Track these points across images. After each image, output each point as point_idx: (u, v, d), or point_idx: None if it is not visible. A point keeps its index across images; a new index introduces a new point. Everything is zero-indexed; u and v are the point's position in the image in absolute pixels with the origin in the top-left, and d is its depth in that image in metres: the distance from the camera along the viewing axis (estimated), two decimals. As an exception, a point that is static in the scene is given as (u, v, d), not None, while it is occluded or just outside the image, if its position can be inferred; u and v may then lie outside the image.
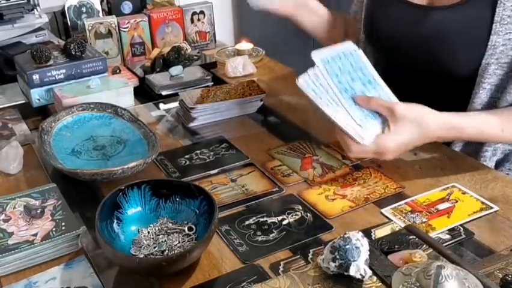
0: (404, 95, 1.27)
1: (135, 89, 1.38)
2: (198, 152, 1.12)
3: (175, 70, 1.44)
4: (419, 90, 1.19)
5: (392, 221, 0.88)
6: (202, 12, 1.68)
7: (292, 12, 1.27)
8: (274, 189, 0.98)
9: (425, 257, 0.74)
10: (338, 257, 0.71)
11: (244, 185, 1.00)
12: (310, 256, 0.82)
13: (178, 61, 1.47)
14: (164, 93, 1.39)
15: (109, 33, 1.56)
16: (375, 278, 0.72)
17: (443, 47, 1.07)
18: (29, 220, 0.88)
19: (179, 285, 0.78)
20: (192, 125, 1.24)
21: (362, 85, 0.99)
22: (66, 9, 1.63)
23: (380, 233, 0.86)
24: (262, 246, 0.84)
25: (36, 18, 1.63)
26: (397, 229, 0.86)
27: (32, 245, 0.82)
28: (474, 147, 1.12)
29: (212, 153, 1.11)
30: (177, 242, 0.83)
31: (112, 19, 1.56)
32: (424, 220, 0.88)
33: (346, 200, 0.94)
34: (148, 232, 0.85)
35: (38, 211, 0.89)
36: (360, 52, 1.03)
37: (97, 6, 1.66)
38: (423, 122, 0.94)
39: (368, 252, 0.73)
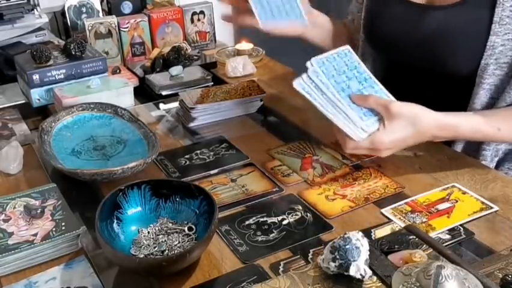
0: (403, 95, 1.27)
1: (135, 89, 1.37)
2: (198, 152, 1.12)
3: (175, 70, 1.44)
4: (419, 89, 1.19)
5: (392, 221, 0.88)
6: (202, 12, 1.68)
7: (302, 31, 1.26)
8: (274, 189, 0.98)
9: (425, 257, 0.74)
10: (338, 257, 0.71)
11: (244, 185, 1.00)
12: (310, 256, 0.82)
13: (178, 61, 1.47)
14: (164, 93, 1.39)
15: (109, 33, 1.56)
16: (375, 278, 0.72)
17: (442, 46, 1.07)
18: (29, 220, 0.88)
19: (179, 285, 0.78)
20: (192, 125, 1.24)
21: (358, 83, 1.00)
22: (66, 9, 1.63)
23: (380, 233, 0.86)
24: (262, 246, 0.84)
25: (36, 18, 1.62)
26: (397, 229, 0.86)
27: (32, 245, 0.82)
28: (475, 147, 1.12)
29: (212, 153, 1.11)
30: (177, 242, 0.83)
31: (112, 19, 1.56)
32: (424, 220, 0.88)
33: (346, 200, 0.94)
34: (148, 232, 0.85)
35: (38, 211, 0.89)
36: (352, 51, 1.03)
37: (97, 6, 1.66)
38: (417, 121, 0.95)
39: (368, 252, 0.73)
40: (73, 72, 1.34)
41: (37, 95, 1.32)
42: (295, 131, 1.20)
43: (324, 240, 0.85)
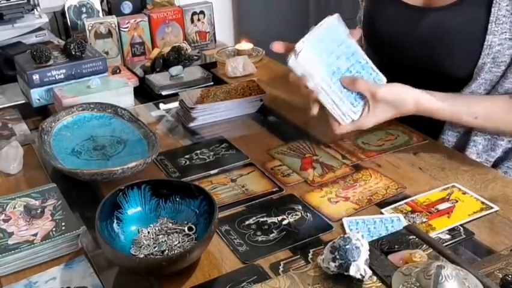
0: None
1: (135, 89, 1.38)
2: (198, 152, 1.12)
3: (175, 70, 1.44)
4: (418, 86, 1.19)
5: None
6: (202, 12, 1.68)
7: None
8: (274, 189, 0.98)
9: (425, 257, 0.74)
10: (338, 257, 0.71)
11: (244, 185, 1.00)
12: (310, 256, 0.82)
13: (178, 61, 1.48)
14: (164, 93, 1.39)
15: (109, 33, 1.56)
16: (375, 278, 0.72)
17: (440, 47, 1.07)
18: (29, 220, 0.88)
19: (179, 285, 0.78)
20: (192, 125, 1.24)
21: (346, 60, 1.01)
22: (66, 9, 1.63)
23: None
24: (262, 246, 0.84)
25: (36, 18, 1.63)
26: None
27: (32, 245, 0.82)
28: (466, 138, 1.12)
29: (212, 153, 1.11)
30: (177, 242, 0.83)
31: (112, 19, 1.56)
32: (424, 220, 0.88)
33: (349, 202, 0.94)
34: (148, 232, 0.85)
35: (38, 211, 0.89)
36: (340, 20, 1.02)
37: (97, 6, 1.67)
38: (400, 104, 1.01)
39: (368, 252, 0.73)
40: (73, 72, 1.34)
41: (37, 95, 1.32)
42: (295, 131, 1.20)
43: (324, 240, 0.85)
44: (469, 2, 1.04)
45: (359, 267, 0.71)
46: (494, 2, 1.00)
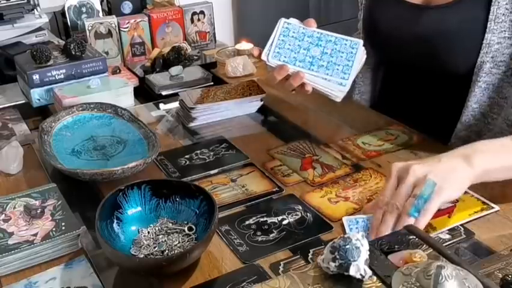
0: (403, 93, 1.28)
1: (135, 89, 1.38)
2: (198, 152, 1.12)
3: (175, 70, 1.44)
4: (417, 88, 1.20)
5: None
6: (202, 12, 1.68)
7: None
8: (274, 189, 0.98)
9: (425, 257, 0.74)
10: (338, 257, 0.71)
11: (244, 185, 1.00)
12: (310, 256, 0.82)
13: (178, 61, 1.48)
14: (164, 93, 1.39)
15: (109, 33, 1.56)
16: (375, 278, 0.72)
17: (440, 45, 1.07)
18: (29, 220, 0.88)
19: (179, 285, 0.78)
20: (192, 125, 1.24)
21: (316, 46, 1.00)
22: (66, 9, 1.63)
23: (380, 233, 0.85)
24: (262, 246, 0.84)
25: (36, 18, 1.63)
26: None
27: (32, 245, 0.82)
28: None
29: (212, 153, 1.11)
30: (177, 242, 0.83)
31: (112, 19, 1.56)
32: (424, 220, 0.88)
33: (349, 202, 0.94)
34: (148, 232, 0.85)
35: (38, 211, 0.89)
36: (291, 20, 1.03)
37: (97, 6, 1.67)
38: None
39: (368, 252, 0.73)
40: (73, 72, 1.34)
41: (37, 95, 1.32)
42: (295, 131, 1.20)
43: (324, 240, 0.85)
44: (468, 1, 1.04)
45: (359, 267, 0.71)
46: (493, 0, 1.00)
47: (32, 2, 1.60)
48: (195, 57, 1.57)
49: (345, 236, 0.73)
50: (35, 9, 1.62)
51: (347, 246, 0.71)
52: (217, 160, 1.09)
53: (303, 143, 1.14)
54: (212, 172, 1.05)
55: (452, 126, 1.12)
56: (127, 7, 1.70)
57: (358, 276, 0.71)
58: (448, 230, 0.86)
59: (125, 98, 1.31)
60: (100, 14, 1.67)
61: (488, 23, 1.01)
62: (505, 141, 0.90)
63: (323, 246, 0.82)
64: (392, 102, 1.27)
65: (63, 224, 0.87)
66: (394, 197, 0.84)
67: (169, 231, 0.85)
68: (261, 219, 0.90)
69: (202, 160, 1.09)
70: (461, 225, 0.87)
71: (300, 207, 0.93)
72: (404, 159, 1.05)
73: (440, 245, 0.78)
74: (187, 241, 0.83)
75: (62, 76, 1.33)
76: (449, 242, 0.83)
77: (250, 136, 1.20)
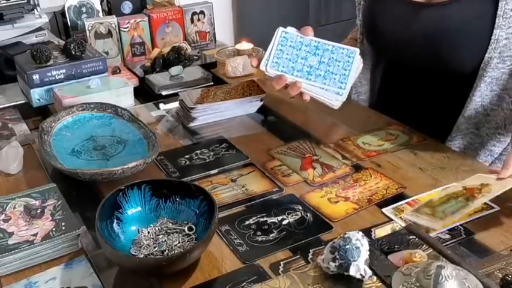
0: (404, 91, 1.27)
1: (135, 89, 1.38)
2: (198, 152, 1.12)
3: (175, 70, 1.44)
4: (417, 86, 1.20)
5: (393, 220, 0.88)
6: (202, 12, 1.68)
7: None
8: (274, 189, 0.98)
9: (425, 257, 0.74)
10: (338, 257, 0.71)
11: (244, 185, 1.00)
12: (310, 256, 0.82)
13: (178, 61, 1.48)
14: (164, 93, 1.39)
15: (109, 33, 1.56)
16: (375, 278, 0.72)
17: (446, 42, 1.07)
18: (29, 220, 0.88)
19: (179, 285, 0.78)
20: (192, 125, 1.24)
21: (313, 56, 1.01)
22: (66, 9, 1.63)
23: (380, 232, 0.86)
24: (262, 246, 0.84)
25: (36, 18, 1.63)
26: (397, 228, 0.86)
27: (32, 245, 0.82)
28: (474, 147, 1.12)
29: (212, 153, 1.11)
30: (177, 242, 0.83)
31: (112, 19, 1.56)
32: (424, 220, 0.88)
33: (349, 202, 0.94)
34: (148, 232, 0.85)
35: (38, 211, 0.89)
36: (288, 29, 1.03)
37: (97, 6, 1.67)
38: None
39: (368, 252, 0.73)
40: (73, 72, 1.34)
41: (37, 95, 1.32)
42: (295, 131, 1.20)
43: (324, 240, 0.85)
44: None
45: (359, 267, 0.71)
46: None
47: (32, 2, 1.60)
48: (195, 57, 1.57)
49: (345, 236, 0.73)
50: (35, 9, 1.62)
51: (347, 246, 0.71)
52: (217, 160, 1.09)
53: (303, 143, 1.14)
54: (212, 172, 1.05)
55: (451, 121, 1.13)
56: (127, 7, 1.70)
57: (358, 276, 0.71)
58: (448, 230, 0.86)
59: (125, 98, 1.31)
60: (100, 14, 1.67)
61: (497, 18, 1.01)
62: None
63: (323, 246, 0.82)
64: (391, 102, 1.27)
65: (63, 224, 0.87)
66: None
67: (169, 231, 0.85)
68: (261, 219, 0.90)
69: (202, 160, 1.09)
70: (461, 225, 0.87)
71: (300, 207, 0.93)
72: (404, 160, 1.06)
73: (440, 245, 0.78)
74: (187, 241, 0.83)
75: (62, 76, 1.33)
76: (449, 242, 0.83)
77: (250, 136, 1.20)
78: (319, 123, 1.23)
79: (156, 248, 0.82)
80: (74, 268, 0.81)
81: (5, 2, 1.55)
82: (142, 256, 0.81)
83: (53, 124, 1.14)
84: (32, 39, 1.61)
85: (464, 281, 0.66)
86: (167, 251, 0.82)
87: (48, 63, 1.33)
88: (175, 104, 1.33)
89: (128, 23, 1.57)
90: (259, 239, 0.86)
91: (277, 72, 0.98)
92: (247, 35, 1.74)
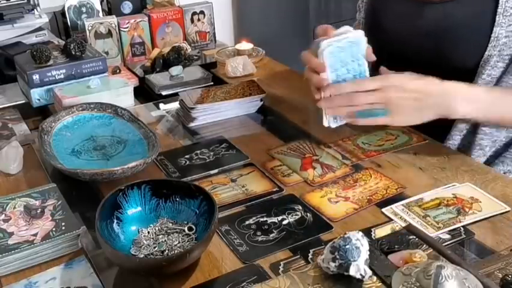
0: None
1: (135, 89, 1.38)
2: (198, 152, 1.12)
3: (175, 70, 1.44)
4: None
5: (393, 220, 0.88)
6: (202, 12, 1.68)
7: None
8: (274, 189, 0.98)
9: (425, 257, 0.74)
10: (338, 257, 0.71)
11: (244, 185, 1.00)
12: (310, 256, 0.82)
13: (178, 61, 1.48)
14: (164, 93, 1.39)
15: (109, 33, 1.56)
16: (375, 278, 0.72)
17: (446, 39, 1.07)
18: (29, 220, 0.88)
19: (179, 285, 0.78)
20: (192, 125, 1.24)
21: (352, 77, 1.02)
22: (66, 9, 1.63)
23: (380, 232, 0.86)
24: (262, 246, 0.84)
25: (36, 18, 1.63)
26: (397, 228, 0.86)
27: (32, 245, 0.82)
28: (471, 138, 1.12)
29: (212, 153, 1.11)
30: (177, 242, 0.83)
31: (112, 19, 1.56)
32: (424, 220, 0.88)
33: (349, 202, 0.94)
34: (148, 232, 0.85)
35: (38, 211, 0.89)
36: (364, 39, 1.03)
37: (97, 6, 1.67)
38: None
39: (368, 252, 0.73)
40: (73, 72, 1.34)
41: (37, 95, 1.32)
42: (295, 131, 1.20)
43: (324, 240, 0.85)
44: None
45: (359, 267, 0.71)
46: None
47: (32, 2, 1.60)
48: (195, 57, 1.57)
49: (345, 236, 0.73)
50: (35, 9, 1.62)
51: (347, 246, 0.71)
52: (217, 160, 1.09)
53: (303, 143, 1.14)
54: (212, 172, 1.05)
55: (451, 120, 1.12)
56: (127, 7, 1.70)
57: (358, 276, 0.71)
58: (448, 230, 0.86)
59: (125, 98, 1.31)
60: (100, 14, 1.67)
61: (497, 16, 1.01)
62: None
63: (323, 246, 0.82)
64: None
65: (63, 224, 0.87)
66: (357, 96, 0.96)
67: (169, 231, 0.85)
68: (261, 219, 0.90)
69: (202, 160, 1.09)
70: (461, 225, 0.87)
71: (300, 207, 0.93)
72: (404, 160, 1.06)
73: (440, 245, 0.78)
74: (187, 241, 0.83)
75: (62, 76, 1.33)
76: (449, 242, 0.83)
77: (250, 136, 1.20)
78: (319, 123, 1.23)
79: (156, 248, 0.82)
80: (74, 268, 0.81)
81: (5, 2, 1.55)
82: (142, 256, 0.81)
83: (53, 124, 1.14)
84: (32, 39, 1.61)
85: (464, 281, 0.66)
86: (167, 251, 0.82)
87: (48, 63, 1.33)
88: (175, 104, 1.33)
89: (128, 23, 1.57)
90: (259, 239, 0.86)
91: (326, 60, 1.00)
92: (247, 35, 1.74)
